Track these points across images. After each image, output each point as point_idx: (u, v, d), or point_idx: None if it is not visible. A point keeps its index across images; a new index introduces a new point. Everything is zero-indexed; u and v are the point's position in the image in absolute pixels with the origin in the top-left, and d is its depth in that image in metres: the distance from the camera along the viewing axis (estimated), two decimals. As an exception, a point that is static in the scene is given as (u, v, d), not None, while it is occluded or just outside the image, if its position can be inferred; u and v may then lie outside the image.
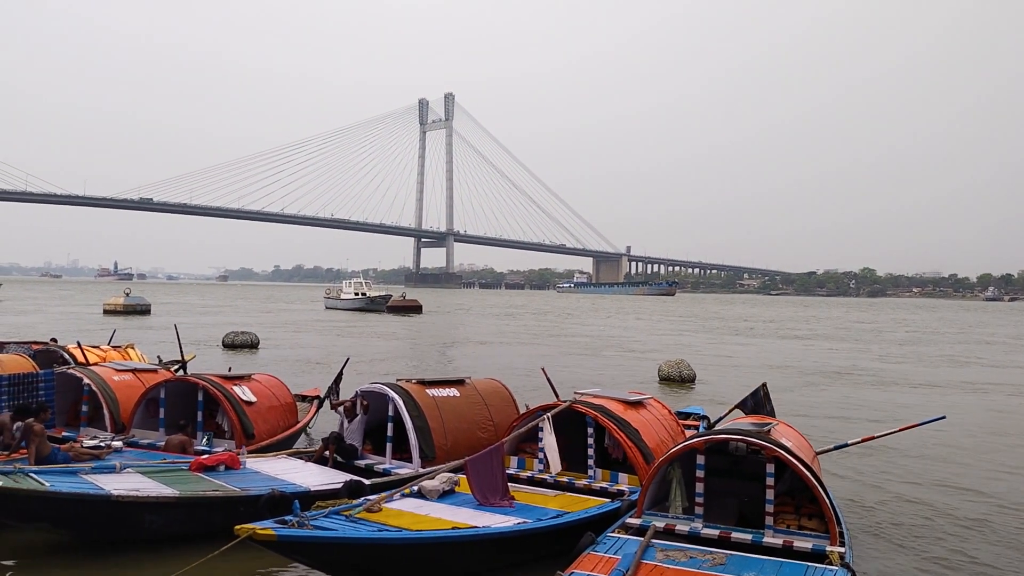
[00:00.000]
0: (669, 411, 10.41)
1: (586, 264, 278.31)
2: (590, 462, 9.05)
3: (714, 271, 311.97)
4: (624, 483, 8.71)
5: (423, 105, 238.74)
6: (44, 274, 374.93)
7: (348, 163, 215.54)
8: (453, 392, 10.64)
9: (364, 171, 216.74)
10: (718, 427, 9.11)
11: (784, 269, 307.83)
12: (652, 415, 9.71)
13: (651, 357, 31.05)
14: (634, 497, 7.88)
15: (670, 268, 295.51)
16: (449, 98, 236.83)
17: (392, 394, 9.96)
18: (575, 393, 9.99)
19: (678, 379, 23.10)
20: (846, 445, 9.18)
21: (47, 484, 7.57)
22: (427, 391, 10.31)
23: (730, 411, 10.50)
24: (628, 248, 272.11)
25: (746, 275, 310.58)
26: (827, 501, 6.77)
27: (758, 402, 10.02)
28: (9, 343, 16.35)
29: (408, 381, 10.54)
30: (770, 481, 7.06)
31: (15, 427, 9.36)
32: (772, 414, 9.88)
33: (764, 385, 10.29)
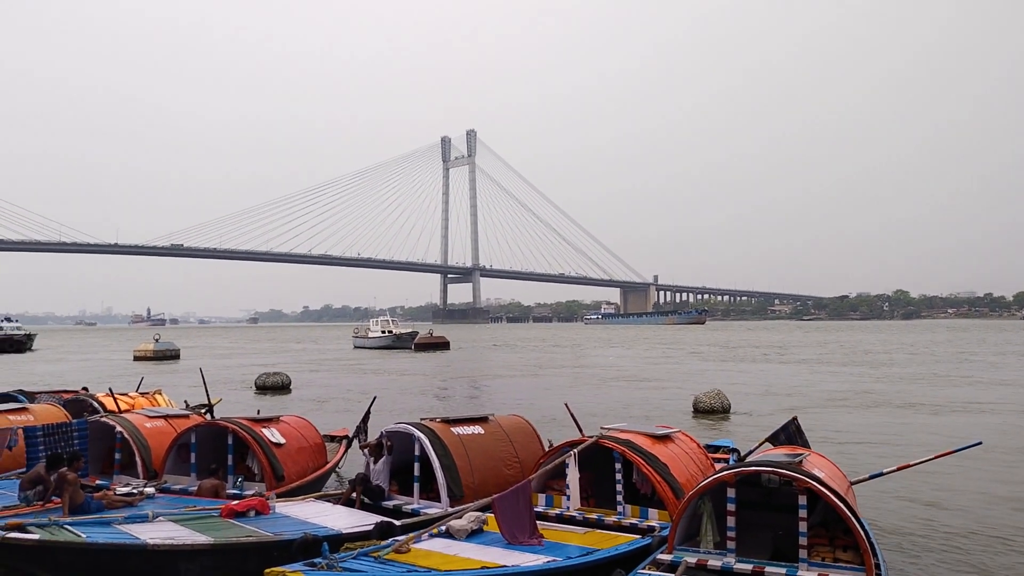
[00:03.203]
0: (698, 444, 10.32)
1: (614, 295, 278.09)
2: (619, 498, 8.98)
3: (744, 298, 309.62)
4: (654, 519, 8.62)
5: (446, 142, 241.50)
6: (79, 323, 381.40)
7: (373, 202, 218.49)
8: (478, 430, 10.63)
9: (389, 209, 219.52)
10: (749, 459, 9.01)
11: (816, 294, 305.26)
12: (681, 449, 9.63)
13: (683, 388, 30.83)
14: (664, 533, 7.79)
15: (699, 296, 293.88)
16: (471, 135, 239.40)
17: (418, 433, 9.97)
18: (601, 428, 9.95)
19: (719, 409, 22.88)
20: (881, 474, 9.03)
21: (83, 535, 7.65)
22: (452, 429, 10.31)
23: (760, 444, 10.39)
24: (656, 277, 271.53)
25: (777, 301, 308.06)
26: (861, 532, 6.66)
27: (789, 436, 9.90)
28: (41, 393, 16.58)
29: (433, 420, 10.56)
30: (803, 513, 6.95)
31: (52, 477, 9.49)
32: (806, 446, 9.76)
33: (795, 419, 10.18)
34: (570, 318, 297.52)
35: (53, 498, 9.25)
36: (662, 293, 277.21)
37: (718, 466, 9.74)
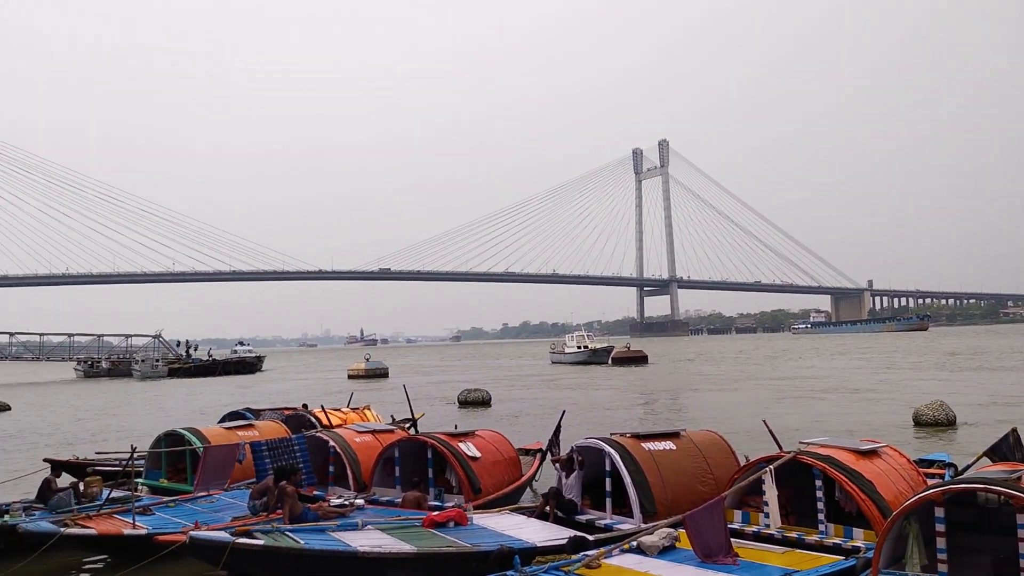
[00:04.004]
0: (908, 460, 9.60)
1: (823, 302, 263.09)
2: (820, 516, 8.54)
3: (972, 301, 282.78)
4: (859, 539, 8.13)
5: (637, 154, 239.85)
6: (301, 344, 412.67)
7: (567, 219, 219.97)
8: (669, 445, 10.49)
9: (583, 225, 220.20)
10: (963, 476, 8.28)
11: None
12: (888, 464, 9.01)
13: (901, 399, 28.73)
14: (870, 554, 7.33)
15: (920, 301, 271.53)
16: (663, 144, 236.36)
17: (608, 449, 10.01)
18: (800, 443, 9.52)
19: (943, 422, 21.19)
20: None
21: (302, 542, 8.45)
22: (643, 445, 10.26)
23: (978, 458, 9.50)
24: (870, 282, 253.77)
25: (1011, 303, 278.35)
26: None
27: (1009, 448, 9.00)
28: (265, 410, 18.15)
29: (623, 435, 10.56)
30: (1021, 534, 6.31)
31: (276, 490, 10.43)
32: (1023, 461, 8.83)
33: (1014, 430, 9.23)
34: (776, 328, 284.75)
35: (277, 509, 10.16)
36: (878, 299, 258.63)
37: (931, 482, 9.03)
